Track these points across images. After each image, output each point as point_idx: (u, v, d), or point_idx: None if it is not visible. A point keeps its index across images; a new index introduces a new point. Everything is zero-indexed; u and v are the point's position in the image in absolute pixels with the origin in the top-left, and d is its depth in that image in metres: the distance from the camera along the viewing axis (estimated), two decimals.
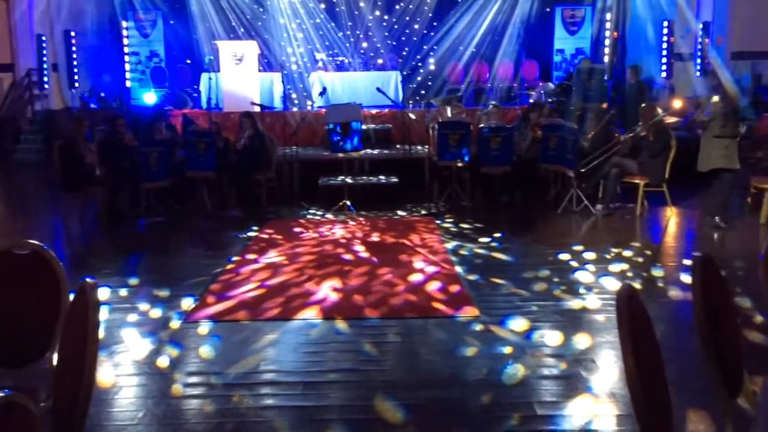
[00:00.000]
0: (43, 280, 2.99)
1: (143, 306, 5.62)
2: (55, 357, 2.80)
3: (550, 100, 12.29)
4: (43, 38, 14.28)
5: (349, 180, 9.83)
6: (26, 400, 1.70)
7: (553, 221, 8.66)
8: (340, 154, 10.52)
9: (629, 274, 6.36)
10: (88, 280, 2.41)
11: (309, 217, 9.11)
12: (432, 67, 14.63)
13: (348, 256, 7.06)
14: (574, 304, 5.53)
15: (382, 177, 10.35)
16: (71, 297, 2.58)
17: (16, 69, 14.51)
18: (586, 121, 10.60)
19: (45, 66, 14.44)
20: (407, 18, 14.54)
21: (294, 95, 13.93)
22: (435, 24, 14.55)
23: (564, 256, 6.91)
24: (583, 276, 6.26)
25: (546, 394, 4.02)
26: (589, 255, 6.94)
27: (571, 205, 9.03)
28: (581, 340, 4.77)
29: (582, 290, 5.86)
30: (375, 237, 7.90)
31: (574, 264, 6.66)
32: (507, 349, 4.63)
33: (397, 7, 14.55)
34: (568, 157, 9.05)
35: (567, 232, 8.23)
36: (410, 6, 14.50)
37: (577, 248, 7.19)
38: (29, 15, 14.13)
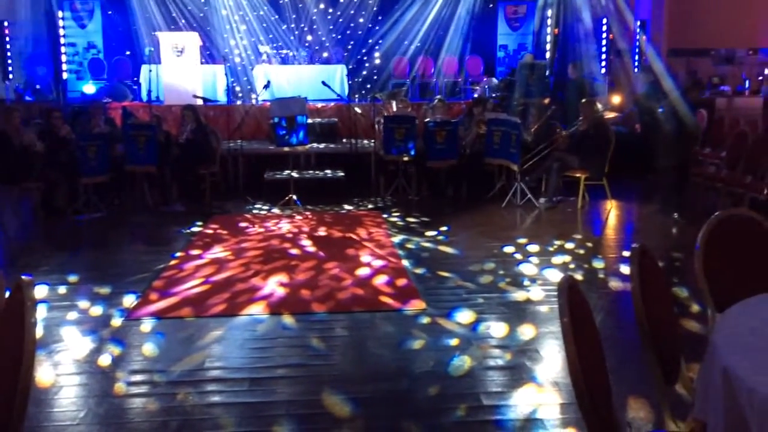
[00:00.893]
0: None
1: (83, 303, 5.48)
2: None
3: (493, 95, 12.44)
4: None
5: (295, 174, 9.75)
6: None
7: (498, 214, 8.78)
8: (286, 148, 10.43)
9: (571, 265, 6.50)
10: (23, 277, 2.34)
11: (255, 211, 9.02)
12: (377, 61, 14.62)
13: (295, 251, 7.01)
14: (519, 295, 5.63)
15: (328, 171, 10.31)
16: (6, 295, 2.50)
17: None
18: (528, 115, 10.78)
19: None
20: (352, 11, 14.46)
21: (238, 88, 13.71)
22: (380, 18, 14.52)
23: (509, 249, 7.02)
24: (527, 268, 6.37)
25: (492, 384, 4.08)
26: (533, 247, 7.07)
27: (516, 199, 9.17)
28: (525, 331, 4.85)
29: (526, 282, 5.97)
30: (322, 231, 7.87)
31: (518, 256, 6.77)
32: (453, 341, 4.68)
33: (342, 0, 14.49)
34: (511, 152, 9.18)
35: (511, 225, 8.36)
36: None
37: (521, 241, 7.32)
38: None
